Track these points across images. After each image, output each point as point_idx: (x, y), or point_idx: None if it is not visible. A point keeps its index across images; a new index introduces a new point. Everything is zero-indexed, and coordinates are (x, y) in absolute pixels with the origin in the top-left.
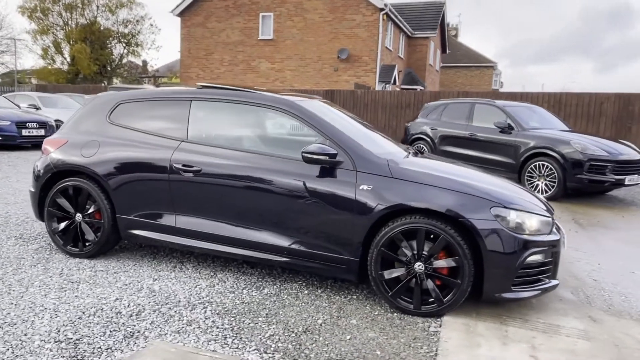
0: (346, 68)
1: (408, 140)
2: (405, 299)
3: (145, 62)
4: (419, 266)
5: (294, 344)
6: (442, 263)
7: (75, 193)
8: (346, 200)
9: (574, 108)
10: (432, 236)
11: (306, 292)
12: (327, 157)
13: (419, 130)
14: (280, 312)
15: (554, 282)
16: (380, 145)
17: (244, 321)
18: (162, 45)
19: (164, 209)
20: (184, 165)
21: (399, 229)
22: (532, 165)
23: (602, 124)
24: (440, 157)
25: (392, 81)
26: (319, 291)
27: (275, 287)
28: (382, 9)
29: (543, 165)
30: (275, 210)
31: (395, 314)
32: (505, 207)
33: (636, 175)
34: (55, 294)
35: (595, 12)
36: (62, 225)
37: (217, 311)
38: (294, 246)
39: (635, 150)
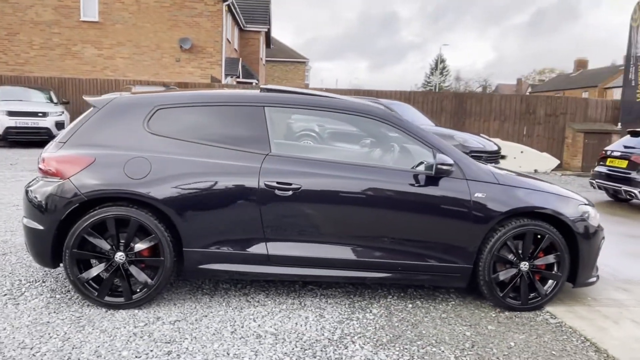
0: (189, 59)
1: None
2: (512, 297)
3: None
4: (524, 265)
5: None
6: (543, 260)
7: (117, 226)
8: (462, 210)
9: (421, 105)
10: (539, 236)
11: (410, 306)
12: (450, 167)
13: (305, 127)
14: (431, 331)
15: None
16: None
17: (413, 349)
18: None
19: (252, 234)
20: (278, 183)
21: (511, 232)
22: None
23: (443, 119)
24: None
25: (238, 75)
26: (424, 303)
27: (383, 307)
28: (225, 0)
29: None
30: (386, 225)
31: (502, 313)
32: (585, 204)
33: (494, 163)
34: None
35: (369, 16)
36: (96, 270)
37: (371, 342)
38: (407, 261)
39: (492, 142)
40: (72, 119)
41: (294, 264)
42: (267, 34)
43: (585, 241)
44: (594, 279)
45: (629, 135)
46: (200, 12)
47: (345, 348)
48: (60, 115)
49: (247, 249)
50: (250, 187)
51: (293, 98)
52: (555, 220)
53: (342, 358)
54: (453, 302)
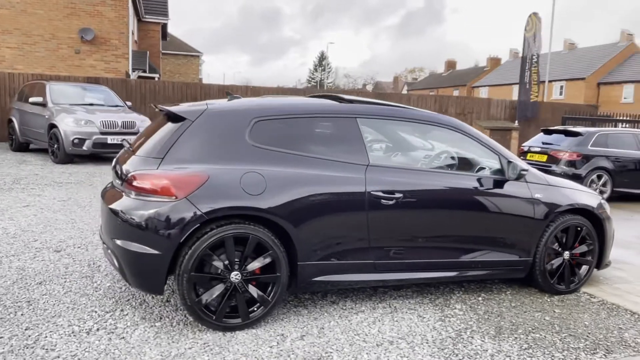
0: (91, 51)
1: None
2: (558, 283)
3: None
4: (567, 254)
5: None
6: (580, 249)
7: (235, 245)
8: (528, 209)
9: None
10: (578, 228)
11: (480, 299)
12: (526, 172)
13: None
14: (518, 320)
15: None
16: None
17: (522, 337)
18: None
19: (360, 244)
20: (384, 193)
21: (560, 227)
22: None
23: None
24: None
25: (145, 69)
26: (487, 295)
27: (460, 302)
28: None
29: None
30: (470, 227)
31: (552, 297)
32: (602, 200)
33: None
34: None
35: (252, 10)
36: (216, 292)
37: (486, 335)
38: (483, 258)
39: None
40: None
41: (395, 270)
42: (164, 26)
43: (608, 229)
44: (610, 261)
45: (542, 133)
46: (102, 1)
47: (471, 343)
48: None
49: (356, 259)
50: (359, 197)
51: (380, 109)
52: (587, 213)
53: (478, 352)
54: (508, 292)
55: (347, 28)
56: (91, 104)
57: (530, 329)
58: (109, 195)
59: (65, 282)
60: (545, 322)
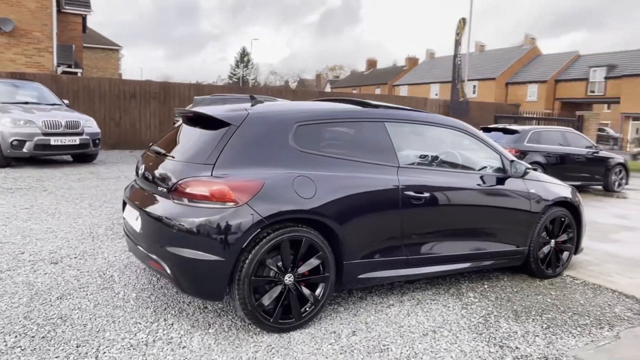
0: (10, 44)
1: None
2: (547, 268)
3: None
4: (553, 242)
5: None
6: (563, 237)
7: (290, 247)
8: (525, 203)
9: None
10: (562, 219)
11: (486, 286)
12: (530, 170)
13: None
14: (527, 303)
15: None
16: None
17: (537, 318)
18: None
19: (395, 241)
20: (415, 192)
21: (549, 218)
22: None
23: None
24: None
25: (72, 64)
26: (488, 283)
27: (471, 291)
28: None
29: None
30: (484, 220)
31: (542, 281)
32: (575, 191)
33: None
34: None
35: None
36: (274, 294)
37: (510, 319)
38: (492, 249)
39: None
40: None
41: (424, 264)
42: (85, 18)
43: (583, 218)
44: (582, 247)
45: (482, 131)
46: None
47: (500, 326)
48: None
49: (392, 255)
50: (394, 197)
51: (404, 114)
52: (568, 204)
53: (510, 334)
54: (505, 279)
55: (267, 25)
56: (26, 103)
57: (540, 310)
58: (143, 201)
59: (86, 295)
60: (549, 304)
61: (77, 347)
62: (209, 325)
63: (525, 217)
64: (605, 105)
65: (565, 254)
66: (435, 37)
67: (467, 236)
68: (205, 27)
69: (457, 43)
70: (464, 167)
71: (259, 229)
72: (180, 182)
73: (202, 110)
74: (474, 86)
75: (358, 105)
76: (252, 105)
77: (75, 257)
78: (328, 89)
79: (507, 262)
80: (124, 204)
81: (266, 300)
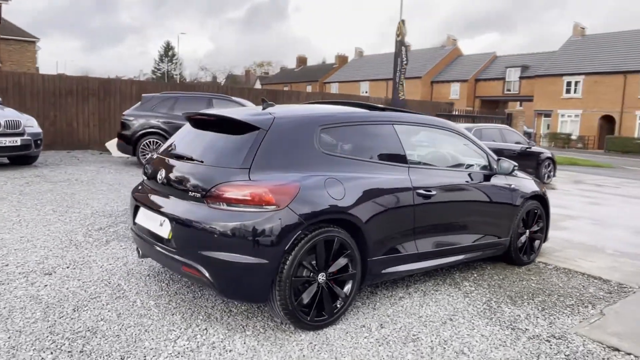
0: None
1: (135, 134)
2: (523, 256)
3: None
4: (527, 233)
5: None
6: (536, 227)
7: (324, 248)
8: (509, 196)
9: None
10: (535, 211)
11: (476, 276)
12: (516, 167)
13: (150, 123)
14: (516, 289)
15: None
16: None
17: (530, 301)
18: None
19: (408, 238)
20: (424, 190)
21: (525, 211)
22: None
23: None
24: None
25: None
26: (475, 272)
27: (465, 280)
28: None
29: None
30: (478, 214)
31: (520, 268)
32: (541, 185)
33: None
34: None
35: None
36: (311, 294)
37: (509, 302)
38: (485, 241)
39: None
40: None
41: (431, 258)
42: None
43: (549, 209)
44: (548, 237)
45: None
46: None
47: (504, 310)
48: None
49: (407, 250)
50: (408, 196)
51: (407, 116)
52: (539, 197)
53: (515, 317)
54: (488, 268)
55: (191, 18)
56: None
57: (530, 294)
58: (171, 207)
59: (103, 305)
60: (535, 288)
61: (122, 359)
62: (244, 327)
63: (510, 210)
64: (518, 103)
65: (537, 242)
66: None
67: (465, 230)
68: (124, 19)
69: (400, 44)
70: (460, 165)
71: (300, 231)
72: (217, 186)
73: (226, 114)
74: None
75: (364, 108)
76: (263, 109)
77: (68, 267)
78: (258, 85)
79: (494, 252)
80: (136, 208)
81: (304, 300)
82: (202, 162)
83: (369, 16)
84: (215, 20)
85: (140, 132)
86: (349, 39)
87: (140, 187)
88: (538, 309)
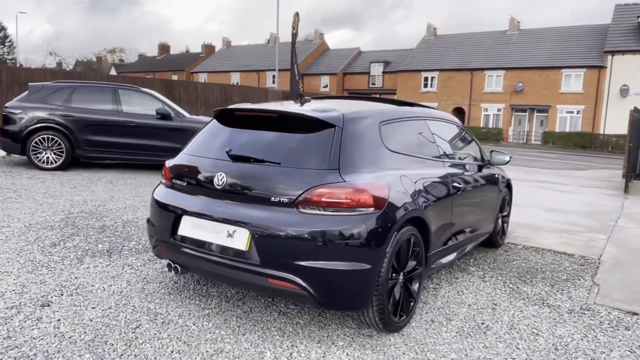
0: None
1: (24, 128)
2: (500, 238)
3: None
4: (500, 216)
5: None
6: (506, 212)
7: (406, 247)
8: (496, 186)
9: None
10: (506, 197)
11: (471, 260)
12: (509, 159)
13: (42, 117)
14: (509, 266)
15: None
16: None
17: (540, 277)
18: None
19: (450, 230)
20: (457, 184)
21: (502, 197)
22: None
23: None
24: None
25: None
26: (472, 257)
27: (471, 265)
28: None
29: None
30: (486, 202)
31: (499, 250)
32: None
33: None
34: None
35: None
36: (397, 294)
37: (503, 281)
38: (486, 226)
39: None
40: None
41: (459, 247)
42: None
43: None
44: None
45: None
46: None
47: (524, 290)
48: None
49: (451, 242)
50: (449, 189)
51: (434, 112)
52: (509, 184)
53: (539, 295)
54: (475, 253)
55: None
56: None
57: (531, 273)
58: (247, 215)
59: (157, 333)
60: (525, 267)
61: None
62: (331, 338)
63: (497, 197)
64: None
65: (506, 225)
66: (227, 24)
67: (478, 218)
68: None
69: (295, 36)
70: (466, 157)
71: (395, 232)
72: (310, 190)
73: (291, 110)
74: (274, 76)
75: (395, 104)
76: (301, 105)
77: (63, 294)
78: (113, 72)
79: (487, 236)
80: (177, 218)
81: (394, 302)
82: (278, 163)
83: (229, 4)
84: (54, 1)
85: (31, 127)
86: (210, 28)
87: (174, 193)
88: (548, 286)
